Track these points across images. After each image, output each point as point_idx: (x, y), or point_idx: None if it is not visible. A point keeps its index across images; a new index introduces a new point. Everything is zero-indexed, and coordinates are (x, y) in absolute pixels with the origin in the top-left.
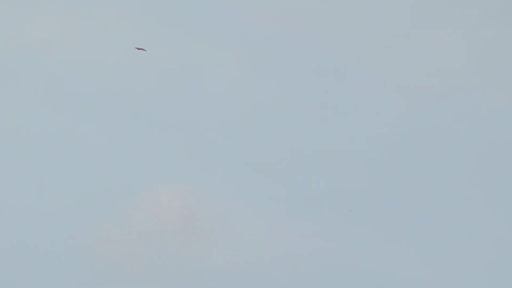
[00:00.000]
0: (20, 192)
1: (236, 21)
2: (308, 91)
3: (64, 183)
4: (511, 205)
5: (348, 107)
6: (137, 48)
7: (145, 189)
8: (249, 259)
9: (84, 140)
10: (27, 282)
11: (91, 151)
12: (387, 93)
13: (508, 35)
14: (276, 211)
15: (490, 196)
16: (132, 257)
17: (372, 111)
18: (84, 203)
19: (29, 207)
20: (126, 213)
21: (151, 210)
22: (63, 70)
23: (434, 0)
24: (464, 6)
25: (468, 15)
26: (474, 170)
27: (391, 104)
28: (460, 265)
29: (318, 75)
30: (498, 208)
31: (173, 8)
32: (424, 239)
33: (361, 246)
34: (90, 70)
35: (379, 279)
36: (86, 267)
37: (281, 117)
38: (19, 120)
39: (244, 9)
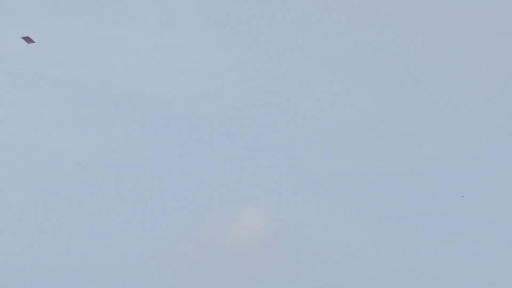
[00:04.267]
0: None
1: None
2: (400, 102)
3: (147, 200)
4: None
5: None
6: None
7: (228, 208)
8: (336, 282)
9: (168, 156)
10: None
11: (174, 167)
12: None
13: None
14: (362, 230)
15: None
16: (213, 278)
17: (466, 119)
18: (166, 221)
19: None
20: (208, 232)
21: (234, 230)
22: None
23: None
24: None
25: None
26: None
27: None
28: None
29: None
30: None
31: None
32: None
33: (456, 258)
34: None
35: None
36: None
37: (370, 131)
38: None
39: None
